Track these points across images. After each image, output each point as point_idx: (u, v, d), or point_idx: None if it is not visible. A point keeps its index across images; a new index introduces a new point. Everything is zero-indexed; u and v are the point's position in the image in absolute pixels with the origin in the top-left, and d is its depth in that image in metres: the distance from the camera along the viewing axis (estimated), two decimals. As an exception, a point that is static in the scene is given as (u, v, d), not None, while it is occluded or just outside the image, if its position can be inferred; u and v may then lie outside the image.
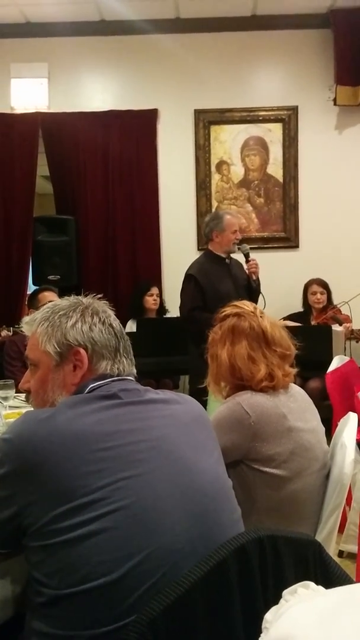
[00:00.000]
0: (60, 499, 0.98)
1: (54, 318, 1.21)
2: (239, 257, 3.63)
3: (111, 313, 1.26)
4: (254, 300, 3.45)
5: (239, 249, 3.54)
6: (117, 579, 0.95)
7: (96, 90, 4.84)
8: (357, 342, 4.37)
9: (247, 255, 3.62)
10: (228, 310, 1.72)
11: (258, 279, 3.60)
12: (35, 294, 3.57)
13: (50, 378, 1.19)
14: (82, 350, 1.17)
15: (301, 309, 4.56)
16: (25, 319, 1.26)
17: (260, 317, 1.68)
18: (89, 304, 1.24)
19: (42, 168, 4.92)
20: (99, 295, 1.30)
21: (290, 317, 4.40)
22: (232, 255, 3.54)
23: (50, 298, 3.28)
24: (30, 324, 1.24)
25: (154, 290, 4.59)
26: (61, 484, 0.99)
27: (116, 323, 1.25)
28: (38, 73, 4.77)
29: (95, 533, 0.96)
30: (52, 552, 0.97)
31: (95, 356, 1.18)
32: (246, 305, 1.73)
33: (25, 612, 1.06)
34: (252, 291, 3.55)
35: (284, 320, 4.03)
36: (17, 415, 2.05)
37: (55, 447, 1.01)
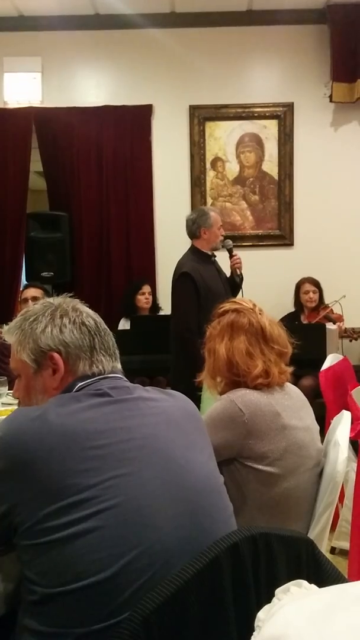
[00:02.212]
0: (51, 498, 0.97)
1: (25, 326, 1.20)
2: (221, 253, 3.61)
3: (84, 310, 1.24)
4: (235, 295, 3.46)
5: (223, 245, 3.55)
6: (109, 577, 0.95)
7: (90, 85, 4.81)
8: (350, 341, 4.38)
9: (230, 251, 3.62)
10: (227, 306, 1.72)
11: (241, 274, 3.60)
12: (22, 290, 3.59)
13: (32, 385, 1.19)
14: (55, 355, 1.17)
15: (293, 309, 4.56)
16: (5, 327, 1.26)
17: (260, 314, 1.68)
18: (58, 305, 1.22)
19: (36, 164, 4.89)
20: (70, 294, 1.29)
21: (282, 320, 4.37)
22: (215, 251, 3.53)
23: (35, 294, 3.29)
24: (8, 333, 1.23)
25: (146, 288, 4.56)
26: (52, 482, 0.98)
27: (89, 320, 1.21)
28: (31, 67, 4.73)
29: (86, 532, 0.96)
30: (43, 550, 0.97)
31: (71, 358, 1.17)
32: (245, 301, 1.73)
33: (18, 609, 1.06)
34: (234, 286, 3.56)
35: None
36: (9, 412, 2.04)
37: (46, 446, 1.00)
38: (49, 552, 0.96)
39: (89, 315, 1.23)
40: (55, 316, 1.19)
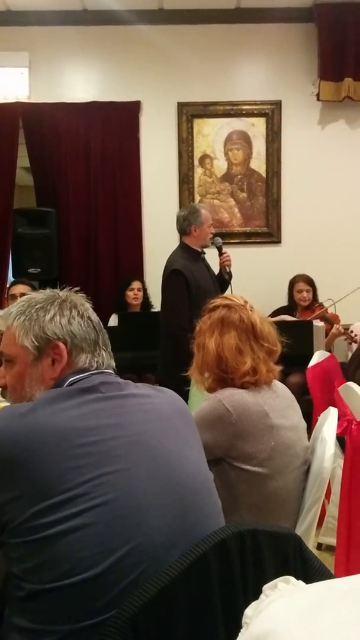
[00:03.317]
0: (40, 496, 0.96)
1: (31, 312, 1.18)
2: (210, 250, 3.61)
3: (89, 306, 1.24)
4: (224, 292, 3.46)
5: (212, 242, 3.55)
6: (99, 574, 0.94)
7: (78, 80, 4.78)
8: (349, 343, 4.35)
9: (220, 249, 3.62)
10: (218, 301, 1.71)
11: (231, 271, 3.61)
12: (9, 287, 3.56)
13: (27, 373, 1.17)
14: (61, 344, 1.15)
15: (283, 305, 4.55)
16: (0, 312, 1.24)
17: (250, 310, 1.67)
18: (66, 297, 1.22)
19: (23, 159, 4.85)
20: (76, 289, 1.28)
21: (278, 312, 4.36)
22: (204, 248, 3.53)
23: (23, 291, 3.26)
24: (5, 318, 1.21)
25: (135, 284, 4.54)
26: (41, 480, 0.97)
27: (94, 316, 1.23)
28: (18, 62, 4.69)
29: (76, 529, 0.95)
30: (32, 548, 0.96)
31: (75, 350, 1.16)
32: (236, 298, 1.72)
33: (4, 607, 1.05)
34: (223, 283, 3.56)
35: (272, 315, 4.01)
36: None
37: (35, 443, 0.99)
38: (38, 549, 0.96)
39: (93, 312, 1.24)
40: (64, 307, 1.19)
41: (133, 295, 4.51)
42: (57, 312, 1.18)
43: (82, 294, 1.27)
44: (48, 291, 1.25)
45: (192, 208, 3.57)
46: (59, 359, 1.15)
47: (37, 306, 1.19)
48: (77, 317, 1.18)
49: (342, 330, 4.05)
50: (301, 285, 4.48)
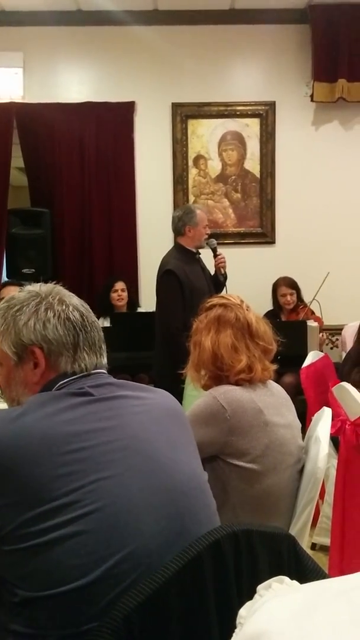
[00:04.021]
0: (30, 504, 0.95)
1: (8, 315, 1.15)
2: (204, 251, 3.61)
3: (71, 303, 1.17)
4: (219, 293, 3.46)
5: (207, 243, 3.54)
6: (91, 582, 0.93)
7: (72, 81, 4.78)
8: (331, 349, 4.36)
9: (214, 250, 3.62)
10: (214, 300, 1.73)
11: (226, 273, 3.61)
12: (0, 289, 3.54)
13: (13, 376, 1.16)
14: (37, 350, 1.12)
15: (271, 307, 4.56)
16: None
17: (246, 309, 1.69)
18: (44, 296, 1.16)
19: (17, 160, 4.84)
20: (60, 283, 1.23)
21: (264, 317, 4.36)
22: (199, 249, 3.53)
23: (13, 293, 3.24)
24: None
25: (118, 285, 4.50)
26: (30, 488, 0.95)
27: (75, 314, 1.15)
28: (13, 62, 4.68)
29: (68, 537, 0.94)
30: (23, 556, 0.95)
31: (53, 354, 1.13)
32: (233, 297, 1.74)
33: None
34: (218, 285, 3.56)
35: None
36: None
37: (24, 450, 0.97)
38: (30, 557, 0.94)
39: (76, 307, 1.17)
40: (39, 309, 1.14)
41: (117, 296, 4.49)
42: (32, 315, 1.13)
43: (65, 286, 1.22)
44: (30, 288, 1.21)
45: (186, 209, 3.56)
46: (38, 363, 1.13)
47: (14, 309, 1.15)
48: (53, 319, 1.13)
49: (325, 338, 4.09)
50: (284, 290, 4.46)
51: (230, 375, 1.62)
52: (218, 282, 3.57)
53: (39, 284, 1.23)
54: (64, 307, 1.16)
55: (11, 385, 1.16)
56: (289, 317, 4.45)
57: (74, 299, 1.19)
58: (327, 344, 4.17)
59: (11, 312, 1.15)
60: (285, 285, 4.48)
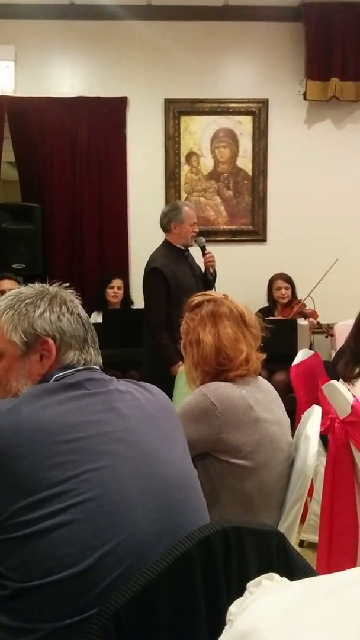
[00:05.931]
0: (24, 492, 0.96)
1: (20, 306, 1.17)
2: (195, 249, 3.61)
3: (78, 302, 1.24)
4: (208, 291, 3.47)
5: (195, 241, 3.53)
6: (83, 571, 0.94)
7: (64, 75, 4.75)
8: (326, 337, 4.40)
9: (203, 249, 3.61)
10: (199, 298, 1.72)
11: (215, 271, 3.61)
12: None
13: (15, 368, 1.16)
14: (50, 340, 1.15)
15: (266, 304, 4.59)
16: None
17: (233, 301, 1.70)
18: (56, 293, 1.21)
19: (8, 154, 4.81)
20: (66, 284, 1.27)
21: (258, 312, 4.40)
22: (187, 247, 3.52)
23: (10, 286, 3.23)
24: None
25: (115, 282, 4.53)
26: (24, 477, 0.97)
27: (83, 313, 1.23)
28: (4, 56, 4.64)
29: (60, 525, 0.95)
30: (15, 545, 0.95)
31: (64, 346, 1.16)
32: (215, 293, 1.74)
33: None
34: (207, 283, 3.56)
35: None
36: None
37: (18, 440, 0.98)
38: (22, 546, 0.95)
39: (82, 309, 1.24)
40: (54, 303, 1.18)
41: (113, 293, 4.51)
42: (47, 308, 1.17)
43: (72, 290, 1.26)
44: (37, 286, 1.23)
45: (173, 205, 3.55)
46: (47, 355, 1.15)
47: (26, 301, 1.18)
48: (67, 313, 1.18)
49: (316, 323, 4.18)
50: (279, 283, 4.55)
51: (231, 370, 1.61)
52: (207, 280, 3.57)
53: (40, 284, 1.26)
54: (74, 304, 1.22)
55: (10, 377, 1.16)
56: (283, 312, 4.48)
57: (76, 300, 1.25)
58: (326, 336, 4.21)
59: (24, 304, 1.17)
60: (281, 279, 4.56)
